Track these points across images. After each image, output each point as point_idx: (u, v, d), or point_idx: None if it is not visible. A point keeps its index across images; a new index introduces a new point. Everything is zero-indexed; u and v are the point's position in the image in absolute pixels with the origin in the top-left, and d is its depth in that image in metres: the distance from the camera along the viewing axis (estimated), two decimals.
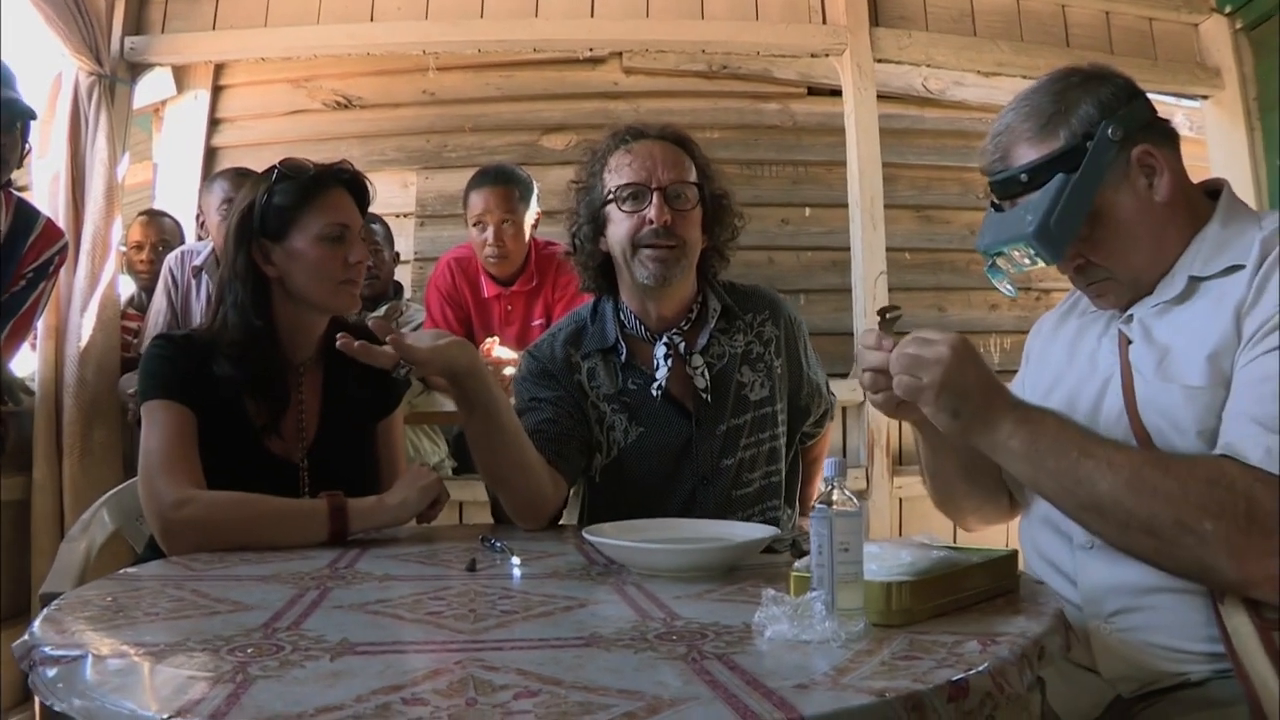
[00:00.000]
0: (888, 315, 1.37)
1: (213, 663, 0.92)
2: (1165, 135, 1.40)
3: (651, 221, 1.81)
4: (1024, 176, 1.38)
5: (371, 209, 1.97)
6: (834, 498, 1.05)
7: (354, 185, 1.87)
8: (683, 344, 1.90)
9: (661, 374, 1.87)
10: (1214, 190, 1.44)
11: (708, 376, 1.88)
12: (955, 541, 1.35)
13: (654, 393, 1.87)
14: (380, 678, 0.87)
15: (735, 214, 1.97)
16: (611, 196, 1.85)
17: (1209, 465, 1.20)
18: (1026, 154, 1.40)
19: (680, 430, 1.88)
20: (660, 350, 1.89)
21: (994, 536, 3.49)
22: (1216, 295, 1.32)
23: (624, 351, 1.91)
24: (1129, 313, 1.42)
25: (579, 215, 1.93)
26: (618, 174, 1.86)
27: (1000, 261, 1.44)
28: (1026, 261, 1.41)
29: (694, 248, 1.88)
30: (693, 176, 1.88)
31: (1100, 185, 1.35)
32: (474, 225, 3.16)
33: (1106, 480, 1.22)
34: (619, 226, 1.86)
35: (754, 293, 2.02)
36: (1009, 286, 1.49)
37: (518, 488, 1.74)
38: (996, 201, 1.47)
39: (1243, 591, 1.21)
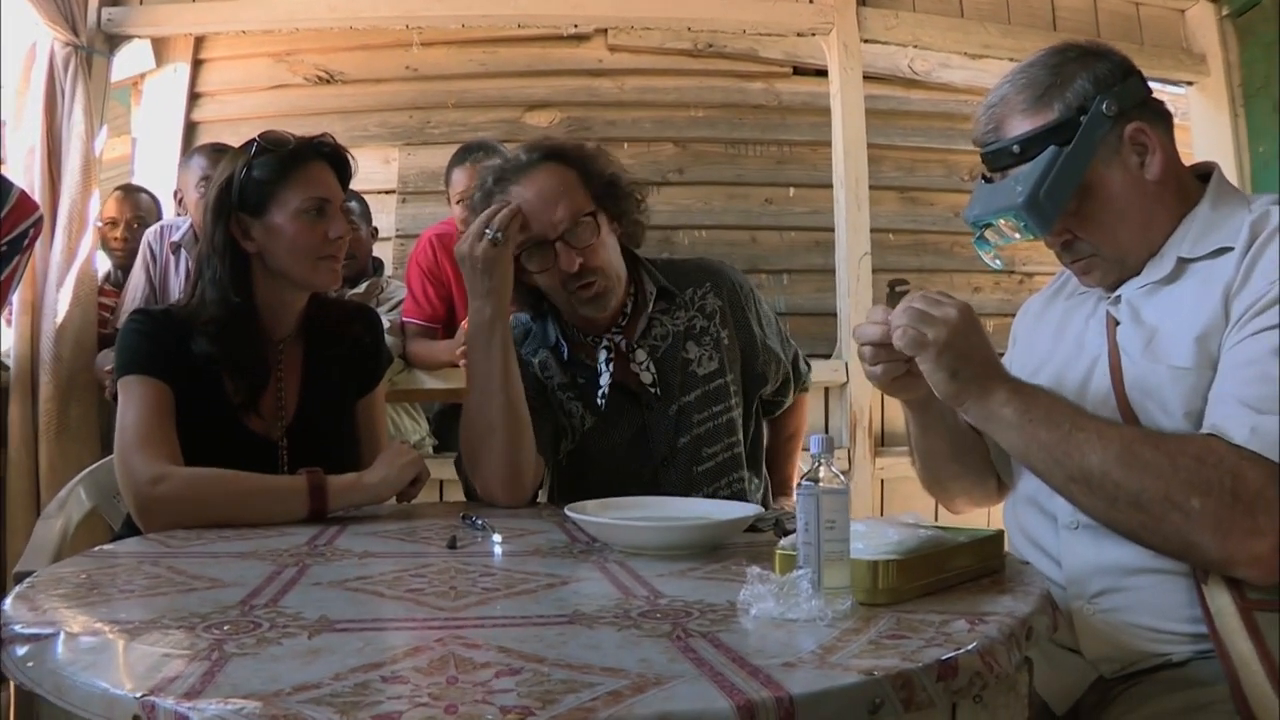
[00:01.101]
0: (897, 289, 1.37)
1: (188, 640, 0.90)
2: (1159, 115, 1.40)
3: (565, 270, 1.77)
4: (1016, 148, 1.38)
5: (352, 185, 1.94)
6: (820, 474, 1.04)
7: (335, 159, 1.84)
8: (623, 340, 1.88)
9: (605, 380, 1.86)
10: (1204, 174, 1.44)
11: (653, 369, 1.87)
12: (938, 521, 1.35)
13: (599, 399, 1.86)
14: (359, 655, 0.85)
15: (630, 191, 1.90)
16: (519, 254, 1.80)
17: (1198, 443, 1.20)
18: (1020, 125, 1.39)
19: (633, 417, 1.87)
20: (602, 355, 1.87)
21: (976, 518, 3.50)
22: (1205, 276, 1.32)
23: (566, 349, 1.90)
24: (1117, 294, 1.42)
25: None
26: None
27: (989, 234, 1.43)
28: (1016, 235, 1.40)
29: (615, 265, 1.84)
30: (583, 201, 1.81)
31: (1092, 160, 1.35)
32: (458, 202, 3.13)
33: (1097, 453, 1.22)
34: (540, 278, 1.82)
35: (693, 266, 1.99)
36: (996, 260, 1.48)
37: (509, 450, 1.74)
38: (987, 174, 1.46)
39: (1225, 570, 1.21)
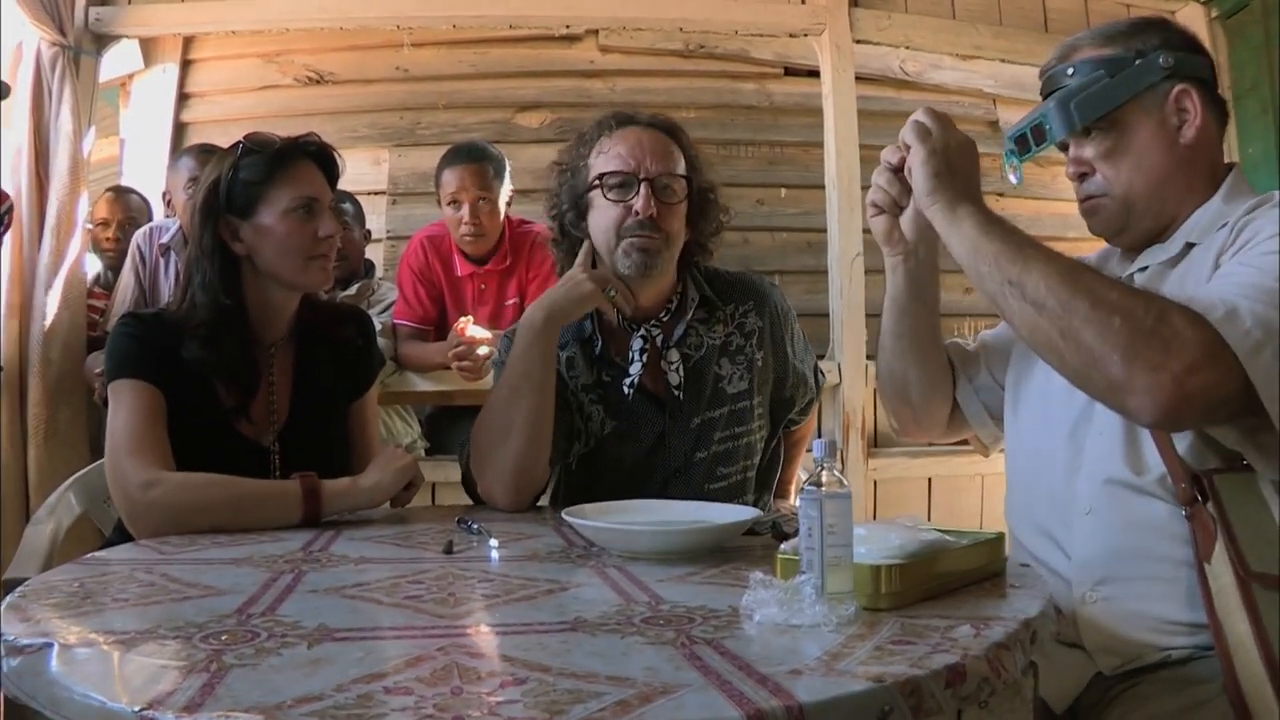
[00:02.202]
0: None
1: (185, 651, 0.89)
2: (1213, 100, 1.45)
3: (638, 213, 1.76)
4: (1070, 69, 1.44)
5: (343, 186, 1.93)
6: (823, 479, 1.03)
7: (322, 158, 1.82)
8: (660, 336, 1.86)
9: (635, 369, 1.84)
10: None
11: (682, 372, 1.85)
12: (936, 524, 1.35)
13: (625, 389, 1.84)
14: (360, 665, 0.84)
15: (721, 208, 1.92)
16: (597, 183, 1.80)
17: (1145, 290, 1.26)
18: (1082, 57, 1.45)
19: (654, 423, 1.85)
20: (636, 344, 1.85)
21: (969, 516, 3.50)
22: (1204, 250, 1.37)
23: (599, 343, 1.87)
24: (1127, 274, 1.44)
25: (560, 199, 1.88)
26: (605, 160, 1.81)
27: (1017, 145, 1.49)
28: (1040, 145, 1.47)
29: (677, 241, 1.83)
30: (681, 168, 1.83)
31: (1133, 97, 1.41)
32: (449, 204, 3.11)
33: (1040, 265, 1.26)
34: (603, 214, 1.80)
35: (739, 282, 1.97)
36: (1016, 173, 1.53)
37: (523, 456, 1.74)
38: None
39: (1118, 396, 1.21)
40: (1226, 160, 1.49)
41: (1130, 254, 1.49)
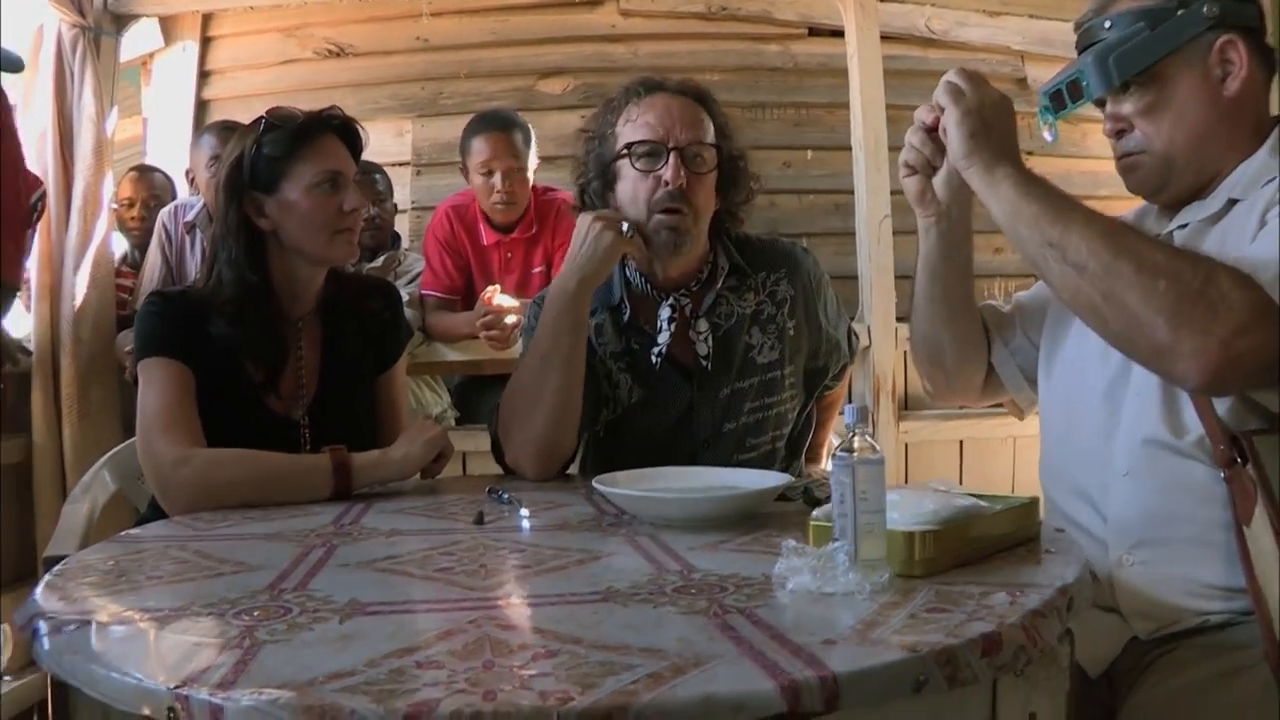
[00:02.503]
0: None
1: (219, 627, 0.90)
2: (1260, 48, 1.38)
3: (666, 183, 1.73)
4: (1107, 23, 1.39)
5: (367, 158, 1.92)
6: (855, 444, 1.02)
7: (345, 131, 1.81)
8: (689, 305, 1.84)
9: (663, 338, 1.82)
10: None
11: (710, 342, 1.82)
12: (967, 489, 1.34)
13: (653, 358, 1.82)
14: (392, 640, 0.84)
15: (752, 176, 1.89)
16: (625, 152, 1.77)
17: (1190, 250, 1.22)
18: (1119, 8, 1.39)
19: (682, 393, 1.83)
20: (665, 313, 1.83)
21: (1001, 479, 3.47)
22: (1248, 207, 1.32)
23: (628, 311, 1.85)
24: (1165, 231, 1.41)
25: (588, 167, 1.85)
26: (633, 129, 1.77)
27: (1052, 101, 1.45)
28: (1077, 102, 1.42)
29: (705, 213, 1.80)
30: (711, 137, 1.80)
31: (1175, 51, 1.35)
32: (480, 172, 3.09)
33: (1081, 226, 1.23)
34: (631, 185, 1.77)
35: (771, 248, 1.94)
36: (1052, 130, 1.49)
37: (552, 428, 1.73)
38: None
39: (1165, 360, 1.19)
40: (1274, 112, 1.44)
41: (1169, 211, 1.45)
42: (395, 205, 3.58)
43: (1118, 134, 1.43)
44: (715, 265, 1.87)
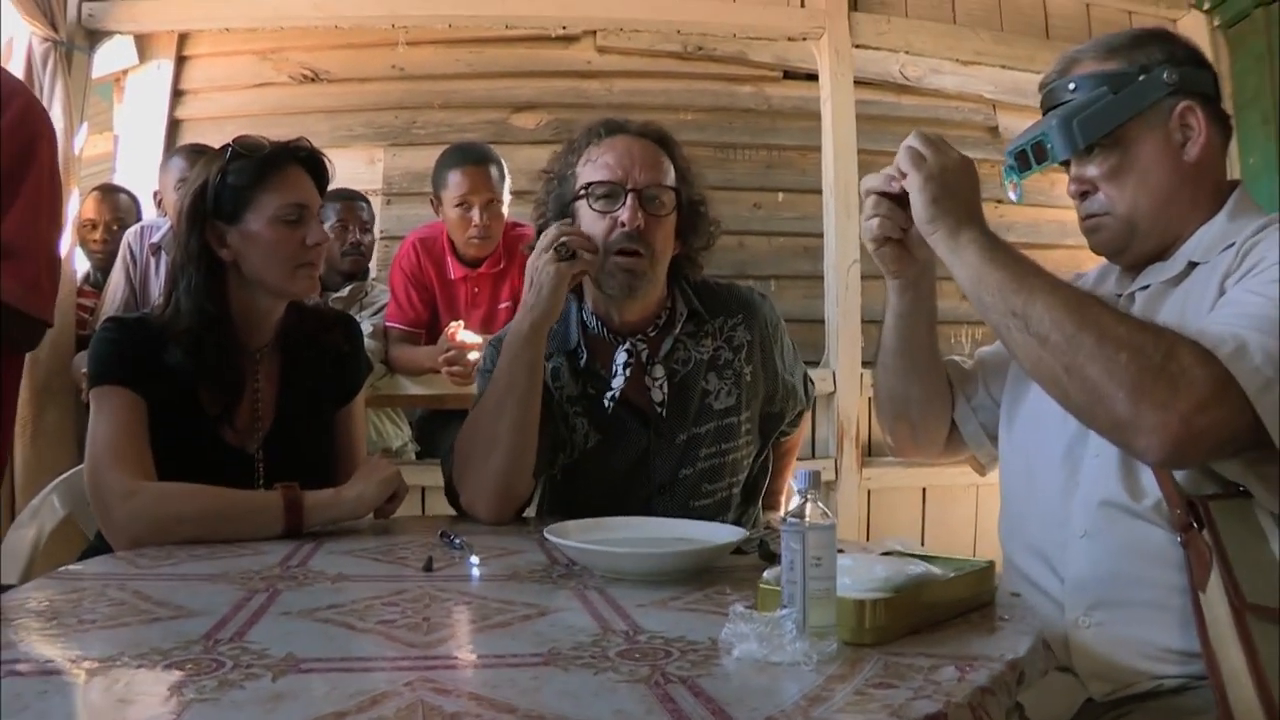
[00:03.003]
0: None
1: (147, 681, 0.87)
2: (1217, 116, 1.42)
3: (623, 224, 1.72)
4: (1071, 85, 1.41)
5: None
6: (806, 510, 1.00)
7: (312, 164, 1.80)
8: (645, 351, 1.83)
9: (617, 383, 1.80)
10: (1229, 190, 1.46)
11: (666, 389, 1.81)
12: (924, 544, 1.33)
13: (606, 404, 1.81)
14: (325, 701, 0.82)
15: (712, 221, 1.89)
16: (584, 192, 1.77)
17: (1152, 323, 1.22)
18: (1083, 71, 1.42)
19: (638, 439, 1.82)
20: (620, 358, 1.81)
21: (963, 527, 3.46)
22: (1209, 271, 1.34)
23: (585, 355, 1.84)
24: (1127, 292, 1.43)
25: (547, 207, 1.84)
26: (592, 169, 1.77)
27: (1018, 161, 1.47)
28: (1041, 164, 1.44)
29: (663, 256, 1.80)
30: (670, 180, 1.79)
31: (1137, 116, 1.38)
32: (456, 205, 3.07)
33: (1045, 296, 1.24)
34: (589, 226, 1.76)
35: (728, 293, 1.94)
36: (1016, 190, 1.50)
37: (507, 470, 1.71)
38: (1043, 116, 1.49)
39: (1125, 433, 1.19)
40: (1230, 176, 1.46)
41: (1131, 271, 1.47)
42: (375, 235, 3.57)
43: (1082, 195, 1.45)
44: (674, 310, 1.86)
